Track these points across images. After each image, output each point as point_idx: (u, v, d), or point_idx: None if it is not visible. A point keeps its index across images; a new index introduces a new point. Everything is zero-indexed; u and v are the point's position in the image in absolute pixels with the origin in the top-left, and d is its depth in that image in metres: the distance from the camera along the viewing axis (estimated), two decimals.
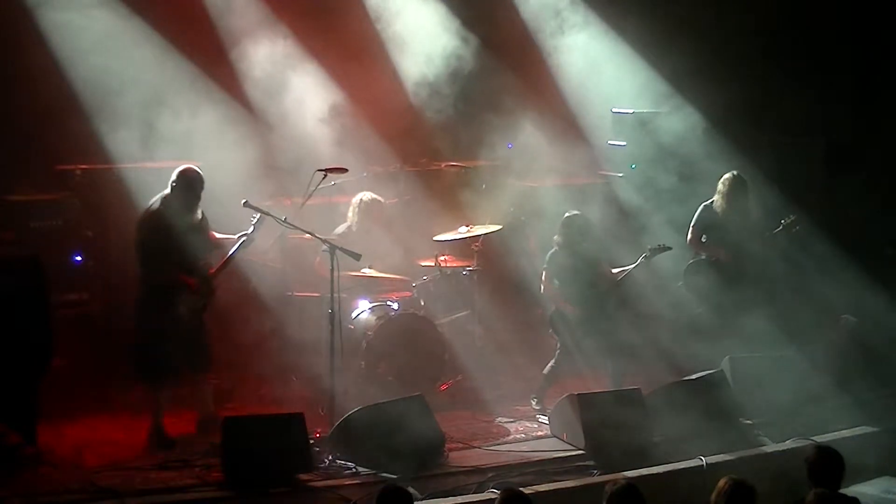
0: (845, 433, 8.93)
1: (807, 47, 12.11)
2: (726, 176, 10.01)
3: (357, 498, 7.65)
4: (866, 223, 11.54)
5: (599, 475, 8.15)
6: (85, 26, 9.50)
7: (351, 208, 9.93)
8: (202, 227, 8.74)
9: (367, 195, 9.93)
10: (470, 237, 10.01)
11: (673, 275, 10.29)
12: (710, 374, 9.17)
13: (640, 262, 9.50)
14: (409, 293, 9.87)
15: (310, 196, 8.90)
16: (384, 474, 7.89)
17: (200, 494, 7.72)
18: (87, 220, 9.74)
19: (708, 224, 10.08)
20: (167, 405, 8.79)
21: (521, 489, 6.63)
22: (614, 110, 11.49)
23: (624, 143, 11.41)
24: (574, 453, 8.56)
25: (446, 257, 10.15)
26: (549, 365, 9.57)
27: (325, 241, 8.69)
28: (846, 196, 11.67)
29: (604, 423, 8.52)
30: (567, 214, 9.50)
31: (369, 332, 9.38)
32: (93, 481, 7.82)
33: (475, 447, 8.74)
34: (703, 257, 10.15)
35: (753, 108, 11.91)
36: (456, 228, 10.05)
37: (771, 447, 8.81)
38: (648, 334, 9.85)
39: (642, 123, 11.25)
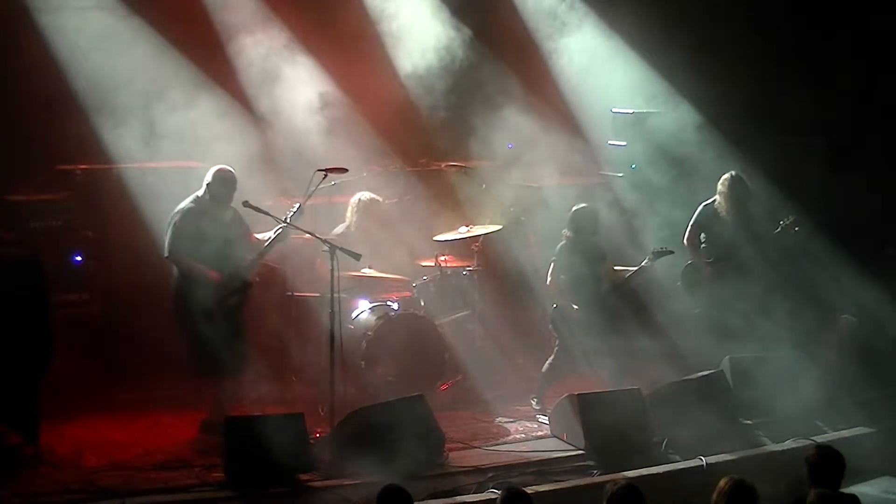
0: (845, 433, 8.94)
1: (807, 47, 12.11)
2: (726, 176, 10.01)
3: (357, 498, 7.65)
4: (866, 223, 11.54)
5: (599, 475, 8.16)
6: (84, 26, 9.51)
7: (349, 208, 9.93)
8: (235, 226, 8.79)
9: (365, 195, 9.93)
10: (470, 237, 10.00)
11: (671, 275, 10.29)
12: (710, 374, 9.17)
13: (644, 265, 9.50)
14: (409, 293, 9.87)
15: (310, 196, 8.91)
16: (384, 474, 7.88)
17: (200, 494, 7.71)
18: (87, 220, 9.74)
19: (707, 224, 10.07)
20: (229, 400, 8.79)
21: (520, 489, 6.61)
22: (614, 110, 11.49)
23: (624, 143, 11.41)
24: (574, 453, 8.56)
25: (446, 257, 10.15)
26: (548, 363, 9.57)
27: (325, 241, 8.69)
28: (846, 196, 11.66)
29: (604, 423, 8.53)
30: (575, 207, 9.51)
31: (369, 332, 9.38)
32: (93, 481, 7.82)
33: (475, 447, 8.74)
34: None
35: (753, 108, 11.91)
36: (456, 228, 10.06)
37: (771, 447, 8.82)
38: (649, 334, 9.85)
39: (642, 123, 11.24)
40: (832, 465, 6.59)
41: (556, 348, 9.54)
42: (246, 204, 8.70)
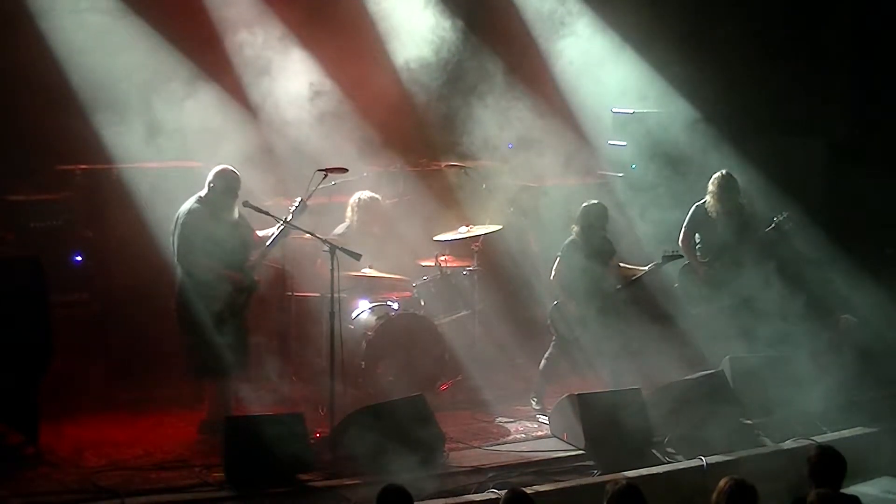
0: (845, 433, 8.94)
1: (807, 47, 12.11)
2: (716, 175, 9.99)
3: (357, 498, 7.65)
4: (866, 223, 11.54)
5: (599, 475, 8.16)
6: (84, 25, 9.49)
7: (349, 207, 9.93)
8: (241, 226, 8.80)
9: (364, 194, 9.93)
10: (470, 237, 10.00)
11: (669, 277, 10.30)
12: (710, 374, 9.17)
13: (652, 267, 9.49)
14: (409, 293, 9.87)
15: (310, 196, 8.91)
16: (384, 474, 7.87)
17: (200, 494, 7.71)
18: (87, 220, 9.73)
19: (700, 225, 10.06)
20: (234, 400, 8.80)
21: (523, 489, 6.62)
22: (614, 110, 11.48)
23: (624, 143, 11.40)
24: (574, 453, 8.56)
25: (446, 257, 10.15)
26: (544, 360, 9.57)
27: (325, 241, 8.69)
28: (846, 196, 11.67)
29: (604, 423, 8.52)
30: (585, 203, 9.49)
31: (369, 332, 9.38)
32: (93, 481, 7.82)
33: (475, 447, 8.74)
34: (698, 258, 10.13)
35: (753, 108, 11.91)
36: (456, 228, 10.05)
37: (771, 447, 8.82)
38: (649, 334, 9.85)
39: (642, 123, 11.24)
40: (833, 466, 6.59)
41: (553, 345, 9.54)
42: (246, 204, 8.70)
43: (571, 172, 11.19)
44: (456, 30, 10.79)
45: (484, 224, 10.12)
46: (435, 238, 10.05)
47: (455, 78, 10.85)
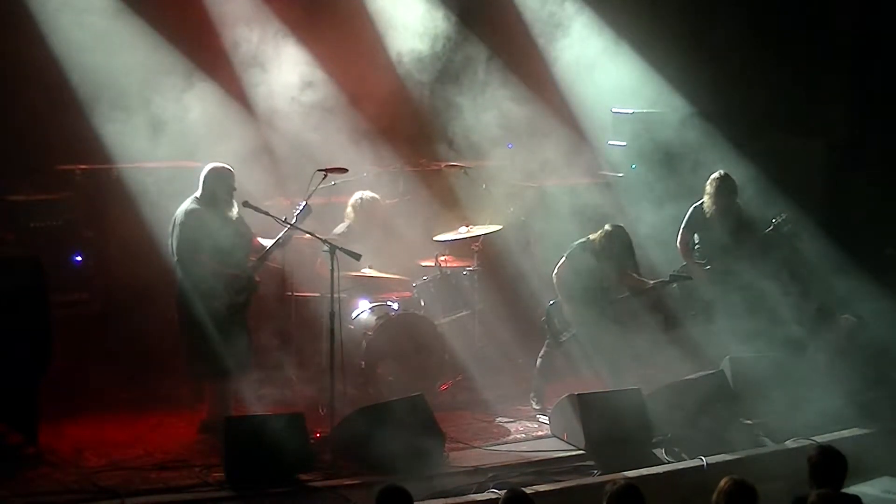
0: (845, 433, 8.94)
1: (806, 47, 12.11)
2: (713, 176, 9.95)
3: (357, 498, 7.65)
4: (866, 223, 11.54)
5: (599, 475, 8.16)
6: (83, 25, 9.49)
7: (349, 207, 9.93)
8: (240, 225, 8.78)
9: (364, 194, 9.93)
10: (470, 237, 10.00)
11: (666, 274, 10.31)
12: (709, 374, 9.17)
13: (658, 284, 9.52)
14: (409, 293, 9.86)
15: (310, 196, 8.90)
16: (384, 474, 7.88)
17: (200, 494, 7.71)
18: (87, 220, 9.73)
19: (697, 226, 10.05)
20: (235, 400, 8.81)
21: (523, 490, 6.62)
22: (614, 110, 11.48)
23: (624, 143, 11.40)
24: (574, 453, 8.56)
25: (446, 257, 10.15)
26: (539, 359, 9.57)
27: (325, 241, 8.68)
28: (846, 196, 11.67)
29: (604, 423, 8.52)
30: (611, 226, 9.32)
31: (369, 332, 9.38)
32: (93, 481, 7.82)
33: (475, 447, 8.74)
34: (697, 260, 10.12)
35: (753, 109, 11.91)
36: (456, 228, 10.05)
37: (771, 447, 8.82)
38: (649, 338, 9.86)
39: (642, 123, 11.24)
40: (834, 466, 6.56)
41: (546, 344, 9.54)
42: (246, 204, 8.68)
43: (571, 172, 11.19)
44: (455, 28, 10.80)
45: (484, 224, 10.12)
46: (435, 238, 10.05)
47: (454, 77, 10.85)
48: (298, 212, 8.74)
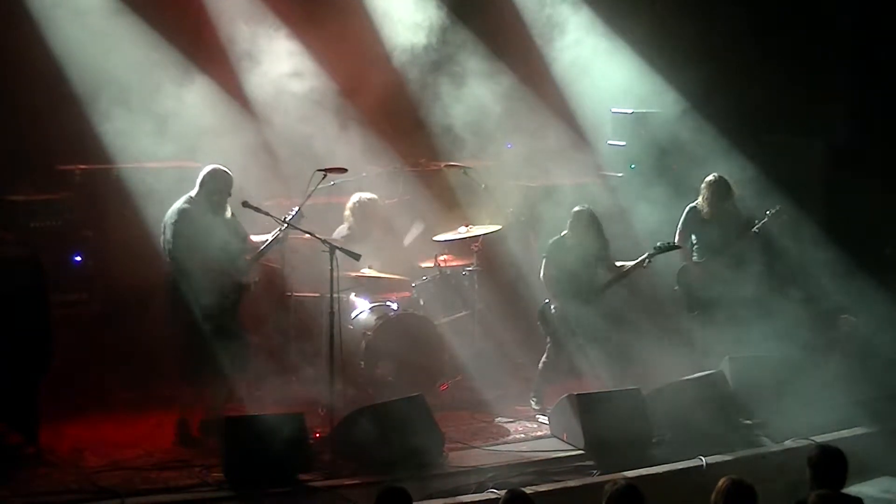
0: (845, 433, 8.94)
1: (807, 47, 12.11)
2: (708, 179, 9.94)
3: (357, 498, 7.65)
4: (866, 223, 11.54)
5: (599, 475, 8.16)
6: (83, 24, 9.49)
7: (348, 209, 9.92)
8: (233, 226, 8.75)
9: (363, 195, 9.92)
10: (469, 237, 10.00)
11: (669, 276, 10.31)
12: (709, 374, 9.17)
13: (643, 259, 9.48)
14: (408, 293, 9.86)
15: (309, 196, 8.91)
16: (384, 474, 7.88)
17: (200, 494, 7.72)
18: (87, 220, 9.73)
19: (694, 225, 10.05)
20: (224, 402, 8.81)
21: (522, 490, 6.62)
22: (613, 110, 11.48)
23: (623, 143, 11.40)
24: (574, 453, 8.56)
25: (446, 257, 10.14)
26: (542, 360, 9.58)
27: (324, 242, 8.69)
28: (846, 196, 11.67)
29: (604, 423, 8.53)
30: (576, 209, 9.49)
31: (369, 333, 9.38)
32: (93, 481, 7.82)
33: (475, 447, 8.74)
34: (695, 260, 10.12)
35: (753, 109, 11.91)
36: (456, 228, 10.06)
37: (771, 447, 8.82)
38: (643, 333, 9.88)
39: (642, 123, 11.24)
40: (835, 465, 6.53)
41: (548, 345, 9.54)
42: (245, 204, 8.67)
43: (571, 172, 11.19)
44: (455, 29, 10.80)
45: (484, 224, 10.12)
46: (434, 238, 10.05)
47: (454, 76, 10.84)
48: (292, 217, 8.70)
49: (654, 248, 9.49)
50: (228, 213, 8.75)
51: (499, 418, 9.41)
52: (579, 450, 8.56)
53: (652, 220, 10.44)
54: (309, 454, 8.05)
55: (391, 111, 11.07)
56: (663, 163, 11.02)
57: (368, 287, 9.72)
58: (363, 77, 10.94)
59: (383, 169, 10.76)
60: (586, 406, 8.64)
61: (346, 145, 10.23)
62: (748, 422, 9.07)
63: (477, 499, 7.78)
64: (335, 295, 8.54)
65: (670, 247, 9.57)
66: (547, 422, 9.19)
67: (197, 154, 9.47)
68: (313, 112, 10.27)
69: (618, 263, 9.62)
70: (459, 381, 9.81)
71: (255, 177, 9.67)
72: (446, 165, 10.77)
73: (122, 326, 9.64)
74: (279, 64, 10.21)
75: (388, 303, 9.68)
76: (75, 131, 9.64)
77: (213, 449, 8.30)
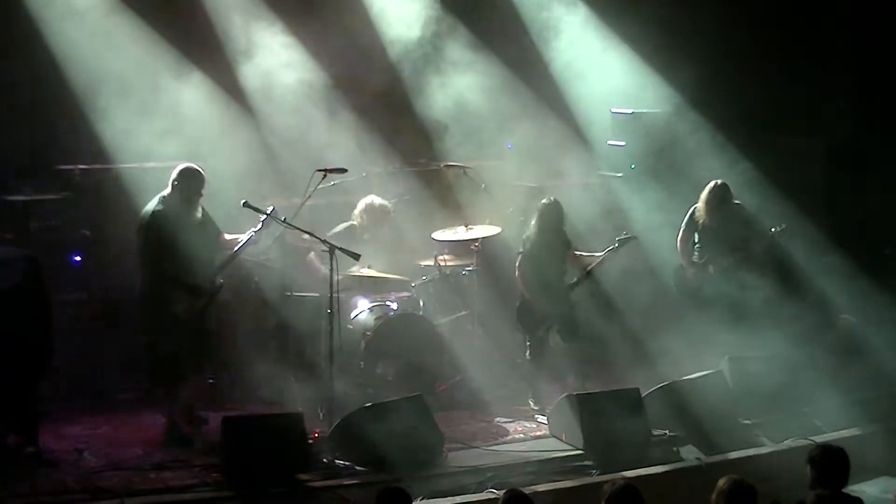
0: (845, 433, 8.93)
1: (807, 47, 12.11)
2: (709, 186, 9.95)
3: (356, 498, 7.65)
4: (866, 223, 11.54)
5: (598, 475, 8.16)
6: (83, 24, 9.50)
7: (358, 209, 9.86)
8: (205, 226, 8.72)
9: (377, 200, 9.88)
10: (469, 238, 10.00)
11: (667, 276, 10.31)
12: (709, 374, 9.17)
13: (607, 253, 9.48)
14: (408, 293, 9.86)
15: (309, 196, 8.91)
16: (383, 474, 7.89)
17: (200, 494, 7.72)
18: (87, 220, 9.73)
19: (697, 227, 10.05)
20: (187, 403, 8.83)
21: (521, 489, 6.62)
22: (613, 110, 11.48)
23: (623, 143, 11.40)
24: (573, 453, 8.56)
25: (446, 257, 10.14)
26: (527, 360, 9.57)
27: (324, 242, 8.68)
28: (846, 196, 11.67)
29: (602, 423, 8.52)
30: (543, 201, 9.50)
31: (368, 333, 9.38)
32: (92, 481, 7.82)
33: (474, 447, 8.74)
34: (695, 260, 10.12)
35: (753, 108, 11.91)
36: (455, 228, 10.05)
37: (771, 447, 8.81)
38: (625, 331, 9.90)
39: (641, 123, 11.24)
40: (837, 464, 6.52)
41: (528, 344, 9.54)
42: (245, 204, 8.66)
43: (571, 172, 11.19)
44: (453, 26, 10.81)
45: (483, 224, 10.12)
46: (434, 238, 10.05)
47: (454, 76, 10.84)
48: (265, 218, 8.64)
49: (616, 242, 9.56)
50: (201, 212, 8.68)
51: (498, 418, 9.41)
52: (578, 450, 8.55)
53: (652, 220, 10.44)
54: (308, 454, 8.05)
55: (391, 111, 11.06)
56: (663, 163, 11.01)
57: (368, 287, 9.71)
58: (363, 77, 10.94)
59: (383, 169, 10.76)
60: (585, 406, 8.64)
61: (345, 146, 10.23)
62: (748, 422, 9.06)
63: (476, 499, 7.78)
64: (335, 295, 8.53)
65: (628, 239, 9.63)
66: (546, 422, 9.19)
67: (197, 154, 9.46)
68: (313, 110, 10.27)
69: (578, 253, 9.64)
70: (459, 381, 9.80)
71: (255, 177, 9.68)
72: (446, 165, 10.77)
73: (122, 326, 9.63)
74: (278, 60, 10.21)
75: (387, 303, 9.68)
76: (75, 131, 9.64)
77: (212, 449, 8.30)
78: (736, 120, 11.42)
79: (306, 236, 8.89)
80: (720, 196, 9.88)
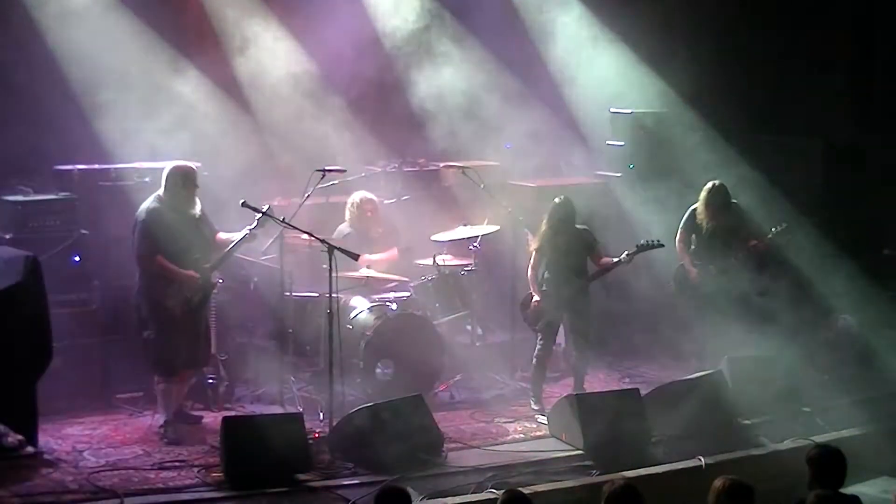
0: (845, 433, 8.93)
1: (807, 47, 12.11)
2: (706, 187, 9.94)
3: (356, 498, 7.66)
4: (865, 223, 11.54)
5: (598, 475, 8.16)
6: (83, 24, 9.50)
7: (347, 210, 9.92)
8: (200, 224, 8.74)
9: (360, 195, 9.91)
10: (469, 237, 10.00)
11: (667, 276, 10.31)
12: (709, 374, 9.18)
13: (624, 258, 9.40)
14: (407, 293, 9.86)
15: (308, 196, 8.90)
16: (383, 474, 7.89)
17: (200, 494, 7.71)
18: (87, 220, 9.73)
19: (695, 227, 10.05)
20: (180, 400, 8.85)
21: (521, 490, 6.62)
22: (612, 110, 11.48)
23: (622, 143, 11.41)
24: (573, 453, 8.55)
25: (445, 257, 10.14)
26: (534, 356, 9.57)
27: (323, 242, 8.69)
28: (845, 196, 11.67)
29: (602, 423, 8.52)
30: (555, 200, 9.44)
31: (368, 332, 9.38)
32: (92, 481, 7.82)
33: (474, 447, 8.73)
34: (695, 261, 10.11)
35: (753, 108, 11.91)
36: (454, 228, 10.05)
37: (770, 447, 8.81)
38: (627, 330, 9.88)
39: (640, 123, 11.24)
40: (835, 465, 6.53)
41: (539, 342, 9.53)
42: (244, 204, 8.66)
43: (570, 172, 11.18)
44: (454, 27, 10.81)
45: (483, 224, 10.12)
46: (433, 238, 10.06)
47: (455, 76, 10.85)
48: (259, 217, 8.65)
49: (637, 246, 9.42)
50: (198, 210, 8.69)
51: (497, 418, 9.39)
52: (578, 450, 8.55)
53: (651, 220, 10.44)
54: (308, 454, 8.05)
55: (390, 110, 11.07)
56: (662, 163, 11.01)
57: (367, 287, 9.71)
58: (364, 76, 10.94)
59: (382, 169, 10.76)
60: (585, 406, 8.64)
61: (345, 145, 10.23)
62: (748, 422, 9.07)
63: (476, 499, 7.77)
64: (334, 295, 8.54)
65: (653, 245, 9.42)
66: (546, 422, 9.18)
67: (197, 153, 9.47)
68: (313, 108, 10.28)
69: (604, 259, 9.60)
70: (458, 381, 9.81)
71: (254, 176, 9.68)
72: (445, 165, 10.77)
73: (122, 326, 9.63)
74: (277, 58, 10.21)
75: (387, 302, 9.68)
76: (75, 131, 9.64)
77: (212, 449, 8.31)
78: (736, 119, 11.43)
79: (305, 236, 8.89)
80: (720, 196, 9.88)
